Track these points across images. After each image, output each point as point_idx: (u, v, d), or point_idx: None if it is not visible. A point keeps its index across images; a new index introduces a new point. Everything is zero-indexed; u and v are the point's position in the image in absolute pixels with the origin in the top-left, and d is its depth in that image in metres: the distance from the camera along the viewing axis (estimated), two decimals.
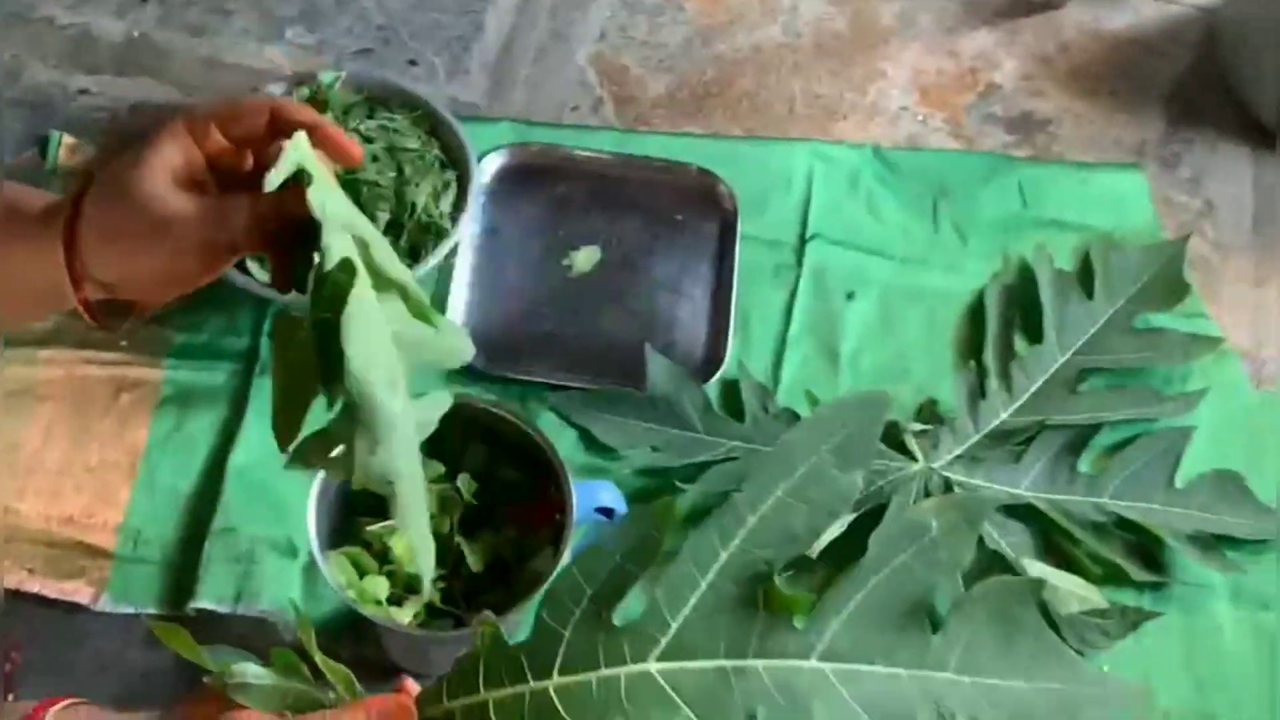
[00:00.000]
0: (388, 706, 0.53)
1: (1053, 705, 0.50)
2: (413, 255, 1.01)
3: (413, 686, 0.56)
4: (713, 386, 1.02)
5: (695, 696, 0.49)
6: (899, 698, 0.49)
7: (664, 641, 0.50)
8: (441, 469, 0.84)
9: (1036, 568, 0.94)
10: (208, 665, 0.54)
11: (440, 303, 1.04)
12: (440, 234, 1.02)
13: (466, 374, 1.01)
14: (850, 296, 1.08)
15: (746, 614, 0.50)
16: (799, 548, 0.50)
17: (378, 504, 0.81)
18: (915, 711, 0.49)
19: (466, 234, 1.06)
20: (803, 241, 1.10)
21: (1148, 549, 0.96)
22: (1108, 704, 0.52)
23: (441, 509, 0.83)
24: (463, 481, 0.84)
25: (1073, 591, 0.93)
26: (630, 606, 0.51)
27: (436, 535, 0.82)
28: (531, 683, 0.51)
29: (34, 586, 0.91)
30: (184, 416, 0.97)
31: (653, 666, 0.50)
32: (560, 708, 0.50)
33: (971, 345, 1.05)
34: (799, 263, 1.09)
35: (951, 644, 0.50)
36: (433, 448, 0.80)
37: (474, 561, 0.82)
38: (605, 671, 0.50)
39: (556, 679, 0.51)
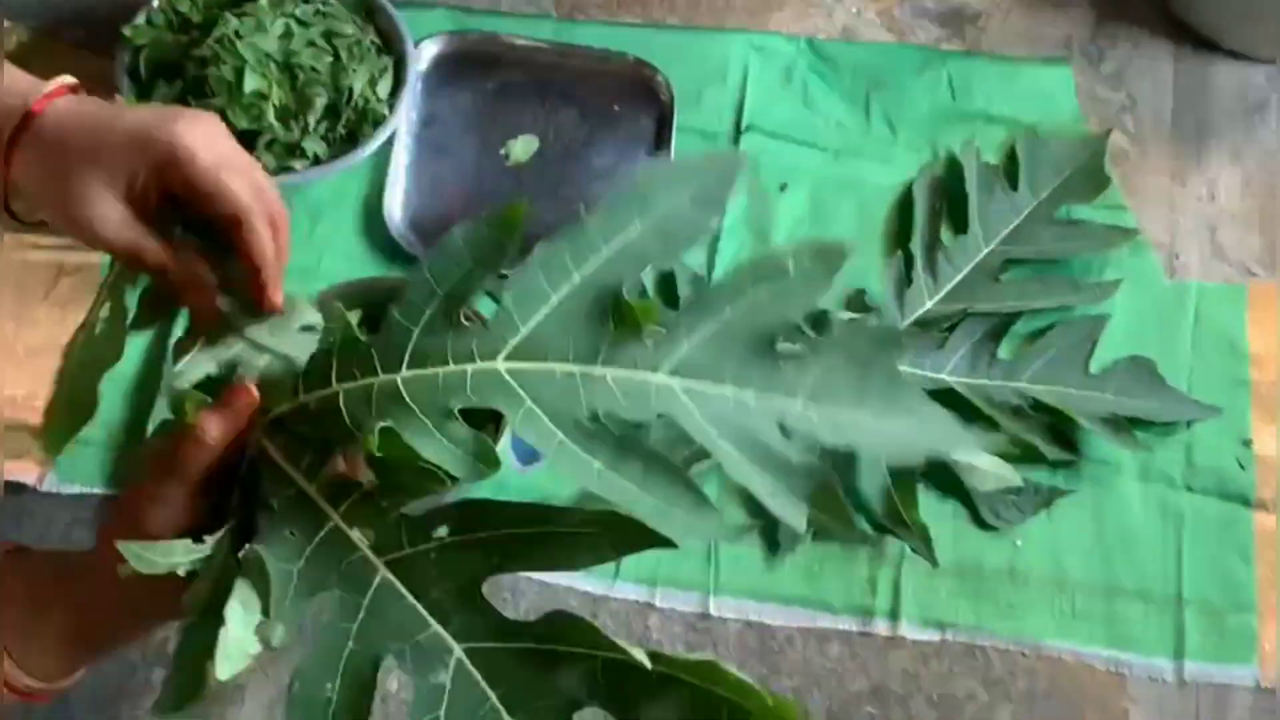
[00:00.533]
0: (228, 394, 0.57)
1: (894, 439, 0.52)
2: (350, 141, 1.02)
3: (252, 387, 0.59)
4: (648, 275, 1.04)
5: (541, 393, 0.51)
6: (745, 417, 0.51)
7: (512, 343, 0.52)
8: None
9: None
10: None
11: (378, 190, 1.05)
12: (378, 120, 1.03)
13: (404, 260, 1.02)
14: (783, 188, 1.10)
15: (597, 326, 0.52)
16: (648, 270, 0.52)
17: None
18: (762, 431, 0.50)
19: (404, 121, 1.07)
20: (738, 133, 1.11)
21: (1062, 430, 1.00)
22: (946, 443, 0.54)
23: None
24: None
25: (990, 470, 0.97)
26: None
27: None
28: (380, 376, 0.53)
29: None
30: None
31: (500, 365, 0.52)
32: (406, 396, 0.52)
33: (900, 235, 1.08)
34: None
35: (804, 375, 0.51)
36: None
37: None
38: (453, 367, 0.52)
39: (404, 372, 0.52)
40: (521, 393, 0.51)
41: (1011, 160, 1.10)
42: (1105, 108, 1.15)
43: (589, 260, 0.52)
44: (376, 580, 0.52)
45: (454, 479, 0.52)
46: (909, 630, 0.94)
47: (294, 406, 0.56)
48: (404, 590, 0.51)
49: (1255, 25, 1.16)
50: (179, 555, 0.52)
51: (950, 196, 1.08)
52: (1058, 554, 0.97)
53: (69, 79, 0.64)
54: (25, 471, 0.93)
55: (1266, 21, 1.15)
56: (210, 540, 0.53)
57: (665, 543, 0.50)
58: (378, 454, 0.54)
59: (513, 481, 0.94)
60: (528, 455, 0.93)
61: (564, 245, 0.53)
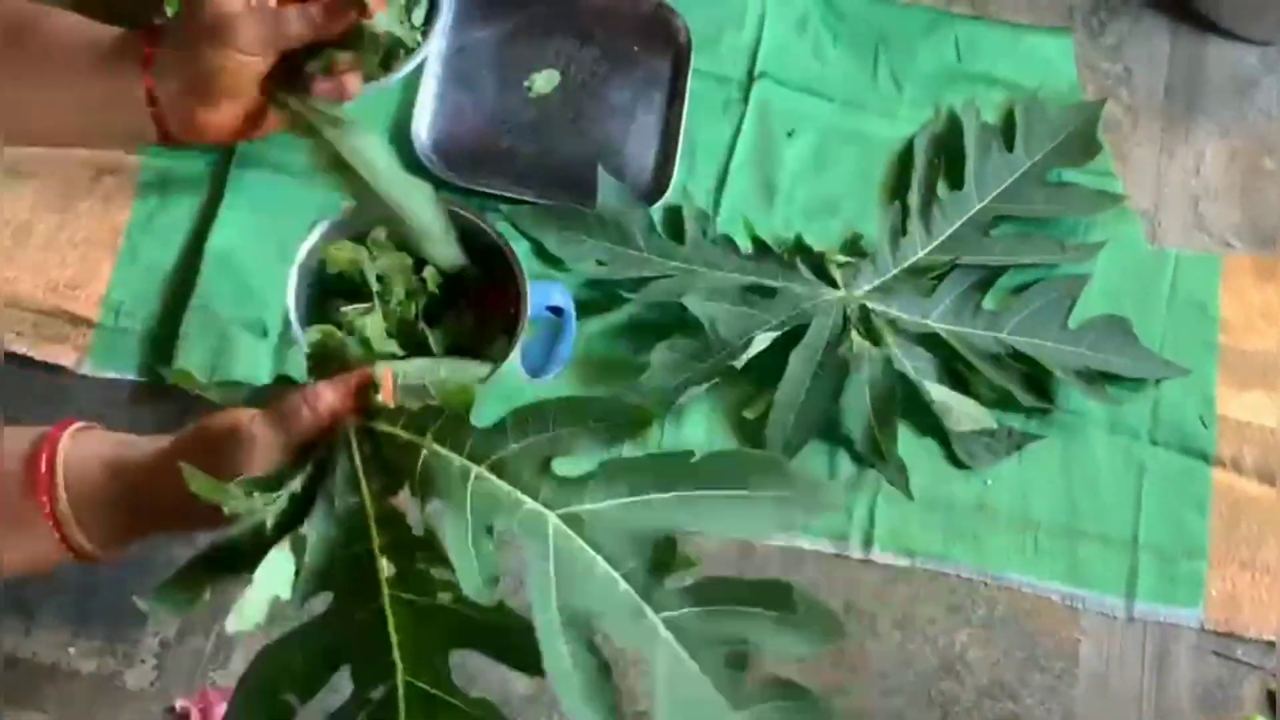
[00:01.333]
0: (350, 375, 0.64)
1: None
2: (384, 65, 1.07)
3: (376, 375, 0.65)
4: (657, 210, 1.10)
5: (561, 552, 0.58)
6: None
7: (569, 507, 0.59)
8: (409, 260, 0.92)
9: (938, 390, 1.04)
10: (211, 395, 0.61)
11: (407, 113, 1.10)
12: (410, 48, 1.08)
13: (428, 180, 1.07)
14: (790, 134, 1.15)
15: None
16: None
17: (352, 290, 0.90)
18: None
19: (434, 50, 1.12)
20: (750, 79, 1.16)
21: (1037, 380, 1.06)
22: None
23: (408, 296, 0.91)
24: (428, 273, 0.92)
25: (967, 412, 1.03)
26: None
27: (403, 321, 0.91)
28: (462, 458, 0.61)
29: (21, 348, 0.98)
30: (164, 200, 1.04)
31: (549, 513, 0.59)
32: (468, 489, 0.59)
33: (898, 187, 1.13)
34: (745, 99, 1.16)
35: None
36: (401, 242, 0.87)
37: (436, 346, 0.91)
38: (515, 492, 0.60)
39: (481, 469, 0.60)
40: (550, 546, 0.58)
41: (1009, 122, 1.15)
42: (1102, 78, 1.20)
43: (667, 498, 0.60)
44: (375, 606, 0.58)
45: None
46: (880, 555, 1.01)
47: (389, 430, 0.63)
48: (392, 631, 0.58)
49: (1251, 7, 1.21)
50: (246, 503, 0.58)
51: (949, 153, 1.14)
52: (1025, 494, 1.04)
53: None
54: (64, 355, 0.99)
55: (1262, 4, 1.20)
56: (273, 502, 0.59)
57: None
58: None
59: (522, 393, 1.00)
60: (536, 369, 0.99)
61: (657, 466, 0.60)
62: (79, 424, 0.64)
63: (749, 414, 1.04)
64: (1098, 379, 1.06)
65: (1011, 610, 1.00)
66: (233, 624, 0.56)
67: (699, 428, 1.04)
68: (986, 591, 1.01)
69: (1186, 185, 1.17)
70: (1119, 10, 1.23)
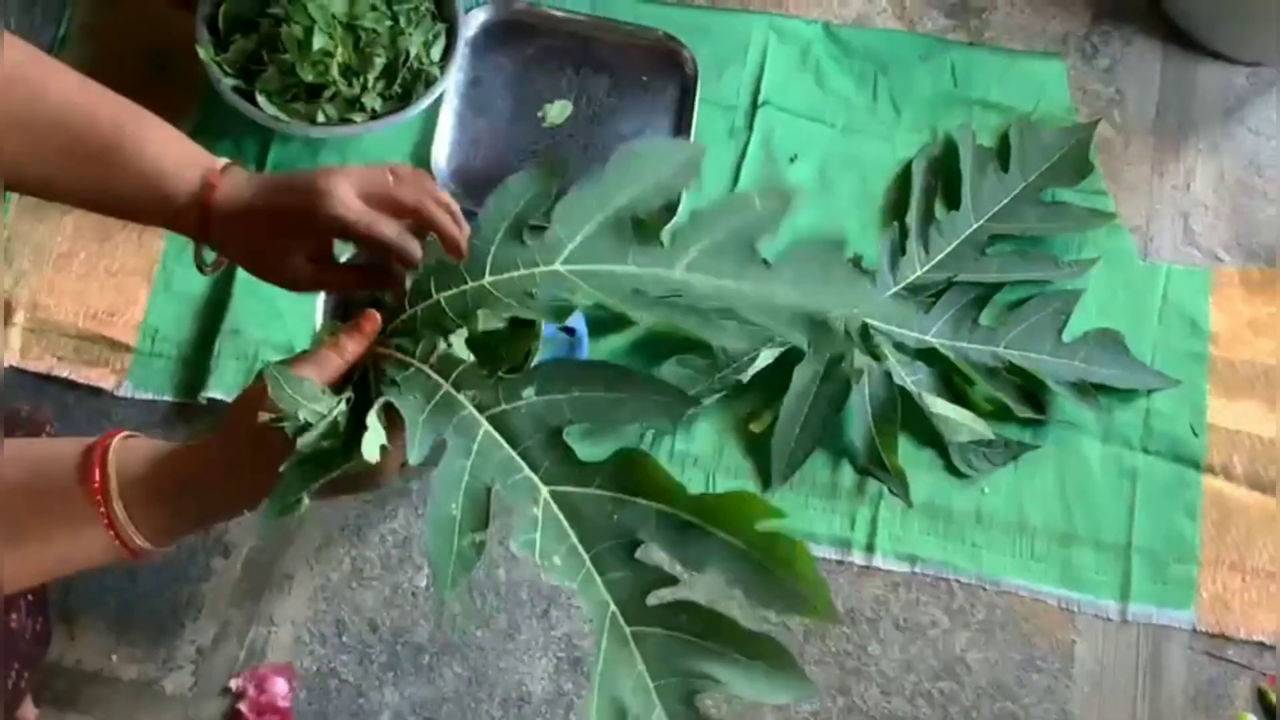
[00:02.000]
0: (357, 319, 0.70)
1: (844, 303, 0.67)
2: (404, 98, 1.12)
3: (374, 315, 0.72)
4: (665, 234, 1.14)
5: (590, 283, 0.66)
6: (741, 301, 0.66)
7: (565, 252, 0.67)
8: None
9: (936, 403, 1.08)
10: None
11: (427, 143, 1.15)
12: (430, 80, 1.13)
13: None
14: (793, 159, 1.20)
15: (623, 239, 0.67)
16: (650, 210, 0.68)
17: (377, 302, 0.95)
18: (752, 313, 0.65)
19: (452, 82, 1.17)
20: (754, 107, 1.21)
21: (1033, 392, 1.10)
22: (865, 304, 0.76)
23: None
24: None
25: (964, 423, 1.08)
26: None
27: None
28: (470, 283, 0.68)
29: (63, 371, 1.04)
30: None
31: (560, 267, 0.67)
32: (495, 292, 0.67)
33: (897, 208, 1.18)
34: (750, 126, 1.20)
35: (782, 277, 0.67)
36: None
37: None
38: (524, 271, 0.67)
39: (489, 278, 0.68)
40: (580, 283, 0.66)
41: (1004, 144, 1.20)
42: (1095, 100, 1.25)
43: (613, 199, 0.68)
44: (481, 432, 0.65)
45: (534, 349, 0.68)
46: (882, 561, 1.05)
47: (404, 319, 0.70)
48: (502, 440, 0.65)
49: (1240, 29, 1.25)
50: (325, 402, 0.65)
51: (946, 175, 1.18)
52: (1021, 502, 1.08)
53: (224, 160, 0.75)
54: (103, 378, 1.04)
55: (1250, 26, 1.24)
56: (338, 399, 0.66)
57: (690, 402, 0.66)
58: (480, 331, 0.68)
59: None
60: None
61: (592, 190, 0.68)
62: (125, 432, 0.69)
63: (755, 427, 1.09)
64: (1091, 390, 1.10)
65: (1009, 613, 1.05)
66: (369, 452, 0.63)
67: (708, 440, 1.09)
68: (985, 596, 1.05)
69: (1177, 202, 1.21)
70: (1111, 35, 1.27)
